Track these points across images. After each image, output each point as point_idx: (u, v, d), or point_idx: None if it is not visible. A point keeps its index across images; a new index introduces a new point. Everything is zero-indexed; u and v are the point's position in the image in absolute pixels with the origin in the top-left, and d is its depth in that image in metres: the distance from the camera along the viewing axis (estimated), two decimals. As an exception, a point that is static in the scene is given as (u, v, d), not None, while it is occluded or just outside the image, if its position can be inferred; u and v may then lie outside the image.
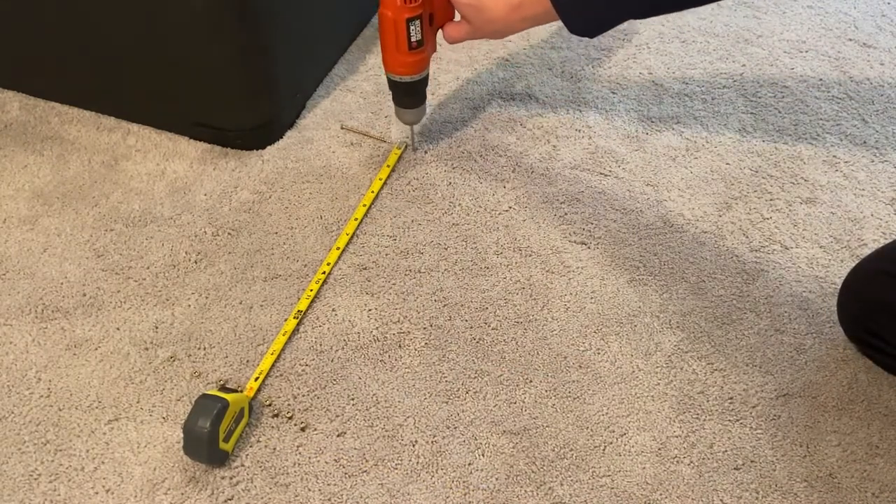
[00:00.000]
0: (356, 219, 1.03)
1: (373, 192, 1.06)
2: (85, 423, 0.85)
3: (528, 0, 0.93)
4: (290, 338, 0.92)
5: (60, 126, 1.15)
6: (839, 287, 0.94)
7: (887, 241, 1.02)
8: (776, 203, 1.08)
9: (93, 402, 0.87)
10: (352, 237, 1.02)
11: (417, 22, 0.97)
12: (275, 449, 0.84)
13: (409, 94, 1.05)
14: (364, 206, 1.05)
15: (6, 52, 1.16)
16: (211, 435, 0.78)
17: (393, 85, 1.05)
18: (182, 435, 0.80)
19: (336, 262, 0.99)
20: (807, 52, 1.31)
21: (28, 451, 0.83)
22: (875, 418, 0.88)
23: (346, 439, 0.85)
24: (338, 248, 1.00)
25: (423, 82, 1.05)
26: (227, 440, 0.81)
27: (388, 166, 1.10)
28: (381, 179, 1.08)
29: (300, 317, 0.93)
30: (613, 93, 1.23)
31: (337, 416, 0.86)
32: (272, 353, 0.90)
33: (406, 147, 1.13)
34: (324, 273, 0.97)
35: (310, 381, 0.89)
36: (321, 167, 1.10)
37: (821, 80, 1.26)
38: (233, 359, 0.90)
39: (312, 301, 0.95)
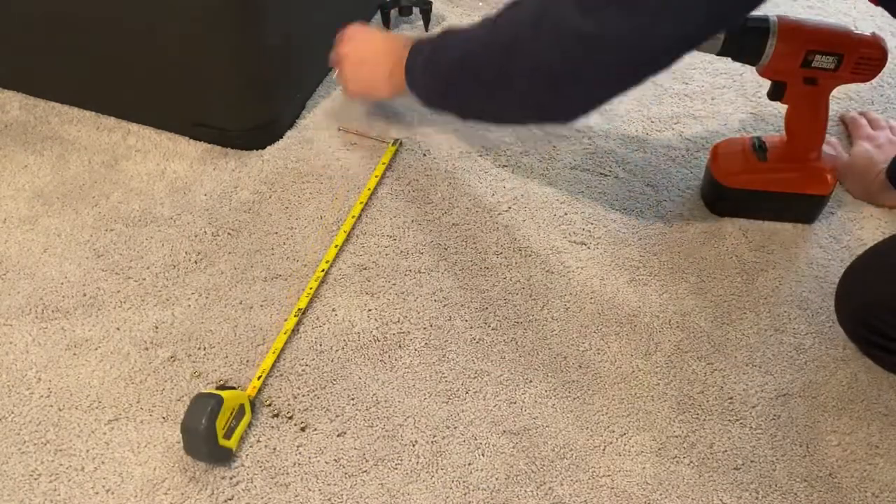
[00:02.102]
0: (353, 216, 1.04)
1: (369, 189, 1.06)
2: (85, 423, 0.85)
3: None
4: (290, 337, 0.92)
5: (60, 126, 1.15)
6: (839, 287, 0.94)
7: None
8: (776, 203, 1.08)
9: (93, 402, 0.87)
10: (349, 236, 1.02)
11: None
12: (275, 449, 0.84)
13: None
14: (361, 203, 1.05)
15: (6, 52, 1.16)
16: (207, 431, 0.78)
17: None
18: (181, 436, 0.80)
19: (334, 261, 0.99)
20: (807, 52, 1.31)
21: (28, 451, 0.83)
22: (875, 418, 0.88)
23: (346, 439, 0.85)
24: (336, 246, 1.00)
25: None
26: (228, 437, 0.81)
27: (383, 163, 1.10)
28: (377, 176, 1.08)
29: (300, 315, 0.93)
30: (613, 93, 1.23)
31: (337, 416, 0.86)
32: (273, 352, 0.90)
33: (399, 144, 1.13)
34: (322, 271, 0.97)
35: (310, 381, 0.89)
36: (321, 167, 1.10)
37: (821, 80, 1.26)
38: (233, 359, 0.90)
39: (312, 300, 0.95)
